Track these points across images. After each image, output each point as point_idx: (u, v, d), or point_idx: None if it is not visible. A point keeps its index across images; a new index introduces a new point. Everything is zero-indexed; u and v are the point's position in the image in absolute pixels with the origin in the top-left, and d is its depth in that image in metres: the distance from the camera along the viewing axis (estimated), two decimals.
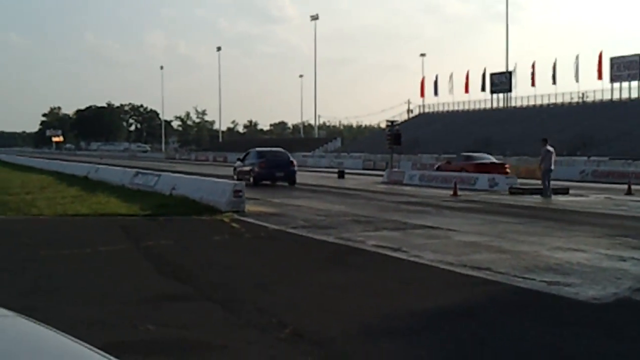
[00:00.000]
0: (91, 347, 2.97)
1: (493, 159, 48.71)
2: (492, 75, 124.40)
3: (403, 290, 11.95)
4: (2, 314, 3.47)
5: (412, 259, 14.95)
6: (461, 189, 35.41)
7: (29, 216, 22.55)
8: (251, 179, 39.27)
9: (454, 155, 53.14)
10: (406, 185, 43.19)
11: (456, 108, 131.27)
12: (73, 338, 3.06)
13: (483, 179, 39.61)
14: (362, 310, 10.25)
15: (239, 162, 43.72)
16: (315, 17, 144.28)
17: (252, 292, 11.43)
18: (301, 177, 43.20)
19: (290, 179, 40.62)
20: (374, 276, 13.23)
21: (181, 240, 17.81)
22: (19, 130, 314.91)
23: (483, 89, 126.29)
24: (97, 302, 10.54)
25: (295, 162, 42.45)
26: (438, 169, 50.25)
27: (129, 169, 40.29)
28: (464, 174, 41.68)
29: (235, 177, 40.30)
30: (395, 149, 52.58)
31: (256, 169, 40.38)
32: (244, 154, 44.01)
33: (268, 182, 40.52)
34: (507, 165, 47.11)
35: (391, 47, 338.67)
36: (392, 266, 14.27)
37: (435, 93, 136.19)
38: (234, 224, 20.79)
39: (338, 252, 15.92)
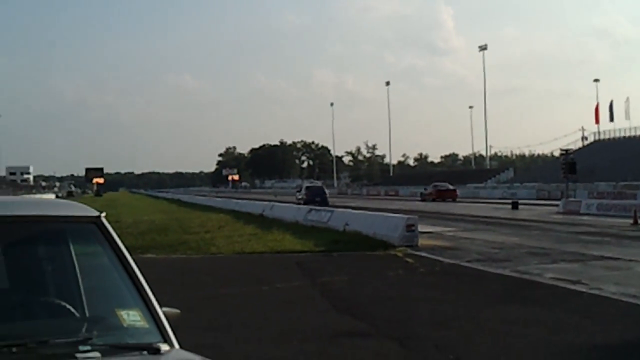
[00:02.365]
0: None
1: (449, 186, 78.37)
2: None
3: (584, 325, 11.56)
4: (187, 357, 3.60)
5: (592, 291, 14.48)
6: None
7: (208, 254, 23.25)
8: (302, 202, 58.29)
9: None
10: (583, 215, 41.88)
11: (634, 134, 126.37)
12: None
13: None
14: (542, 345, 10.00)
15: (297, 193, 72.23)
16: (483, 47, 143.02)
17: (429, 328, 11.35)
18: (473, 208, 42.92)
19: (324, 202, 58.42)
20: (553, 310, 12.88)
21: (355, 276, 17.89)
22: (197, 170, 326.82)
23: None
24: (276, 339, 10.71)
25: (327, 191, 69.14)
26: (422, 195, 79.01)
27: (302, 206, 40.93)
28: None
29: (297, 201, 62.01)
30: (571, 177, 51.21)
31: (305, 197, 63.70)
32: (299, 188, 75.25)
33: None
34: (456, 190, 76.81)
35: (561, 74, 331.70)
36: (572, 300, 13.85)
37: (611, 119, 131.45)
38: (407, 259, 20.75)
39: (515, 286, 15.61)
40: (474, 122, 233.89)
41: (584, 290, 14.71)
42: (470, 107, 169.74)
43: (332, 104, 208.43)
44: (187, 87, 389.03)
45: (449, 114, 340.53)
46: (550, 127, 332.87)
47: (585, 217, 39.37)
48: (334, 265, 20.01)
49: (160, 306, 3.80)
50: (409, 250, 22.61)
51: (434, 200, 72.58)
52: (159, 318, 3.72)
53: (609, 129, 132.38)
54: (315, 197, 60.96)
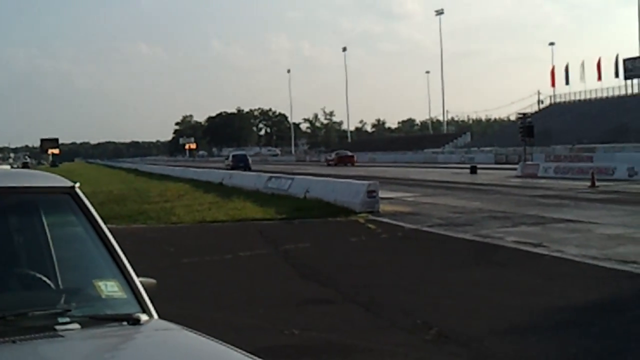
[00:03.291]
0: (249, 354, 3.04)
1: (348, 153, 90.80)
2: (625, 60, 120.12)
3: (547, 287, 11.71)
4: (166, 327, 3.58)
5: (554, 254, 14.65)
6: (599, 180, 34.34)
7: (169, 224, 23.10)
8: (229, 168, 67.26)
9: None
10: (541, 178, 42.26)
11: (589, 96, 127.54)
12: (234, 347, 3.13)
13: (622, 168, 38.45)
14: (506, 308, 10.12)
15: (225, 160, 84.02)
16: (440, 12, 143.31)
17: (394, 293, 11.42)
18: (432, 174, 43.20)
19: (247, 167, 68.87)
20: (516, 273, 13.04)
21: (318, 243, 17.94)
22: (153, 139, 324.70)
23: (617, 75, 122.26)
24: (242, 307, 10.71)
25: (249, 158, 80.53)
26: (327, 162, 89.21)
27: (262, 174, 40.85)
28: (602, 164, 40.46)
29: (225, 167, 71.23)
30: (528, 141, 51.66)
31: (231, 163, 74.20)
32: (227, 157, 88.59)
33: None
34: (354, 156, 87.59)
35: (517, 38, 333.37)
36: (534, 262, 14.02)
37: (567, 82, 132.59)
38: (369, 225, 20.81)
39: (477, 250, 15.73)
40: (431, 87, 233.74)
41: (545, 253, 14.87)
42: (427, 72, 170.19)
43: (288, 71, 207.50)
44: (142, 55, 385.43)
45: (406, 79, 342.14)
46: (507, 92, 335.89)
47: (543, 181, 39.73)
48: (296, 232, 20.02)
49: (137, 276, 3.77)
50: (370, 217, 22.66)
51: (336, 165, 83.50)
52: (137, 288, 3.68)
53: (564, 92, 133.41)
54: (240, 163, 72.14)
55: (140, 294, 3.67)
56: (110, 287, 3.69)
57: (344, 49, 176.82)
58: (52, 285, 3.74)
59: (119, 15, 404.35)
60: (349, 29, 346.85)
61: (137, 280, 3.72)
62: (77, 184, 3.98)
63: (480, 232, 18.52)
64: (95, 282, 3.70)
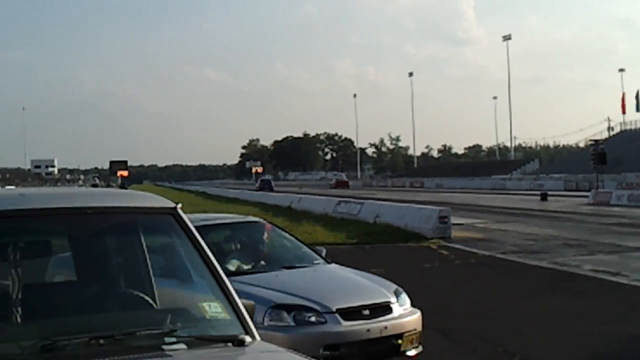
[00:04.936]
0: None
1: (344, 178, 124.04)
2: None
3: (631, 316, 11.45)
4: (271, 349, 3.58)
5: (634, 283, 14.33)
6: None
7: None
8: (257, 189, 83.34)
9: None
10: (614, 206, 41.47)
11: None
12: None
13: None
14: (589, 336, 9.92)
15: (255, 183, 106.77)
16: (507, 37, 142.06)
17: (472, 320, 11.28)
18: (501, 200, 42.76)
19: (271, 189, 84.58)
20: (596, 302, 12.78)
21: (391, 268, 17.69)
22: (220, 163, 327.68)
23: None
24: None
25: (273, 182, 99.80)
26: (329, 185, 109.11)
27: (332, 198, 40.85)
28: None
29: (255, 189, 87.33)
30: (600, 168, 50.83)
31: (259, 186, 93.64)
32: (257, 180, 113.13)
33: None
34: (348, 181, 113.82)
35: (584, 64, 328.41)
36: (614, 291, 13.73)
37: (637, 109, 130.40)
38: (442, 251, 20.65)
39: (554, 278, 15.46)
40: (498, 113, 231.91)
41: (625, 282, 14.57)
42: (495, 97, 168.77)
43: (355, 96, 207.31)
44: (209, 79, 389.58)
45: (472, 104, 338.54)
46: (575, 118, 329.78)
47: (616, 208, 38.99)
48: (368, 257, 19.89)
49: None
50: (442, 242, 22.50)
51: (335, 188, 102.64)
52: (239, 310, 3.70)
53: (635, 119, 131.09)
54: (265, 186, 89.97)
55: (243, 315, 3.69)
56: (214, 308, 3.72)
57: (410, 74, 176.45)
58: (156, 305, 3.76)
59: (185, 40, 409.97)
60: (414, 53, 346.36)
61: (239, 301, 3.72)
62: (180, 205, 4.00)
63: (555, 259, 18.22)
64: (200, 303, 3.74)
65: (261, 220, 11.40)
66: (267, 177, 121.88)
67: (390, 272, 17.07)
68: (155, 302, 3.81)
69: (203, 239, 3.90)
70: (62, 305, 3.66)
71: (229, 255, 9.43)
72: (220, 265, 3.88)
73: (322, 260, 10.02)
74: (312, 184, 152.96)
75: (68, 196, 4.05)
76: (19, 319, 3.47)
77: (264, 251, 10.20)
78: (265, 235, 10.47)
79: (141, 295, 3.76)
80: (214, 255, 3.88)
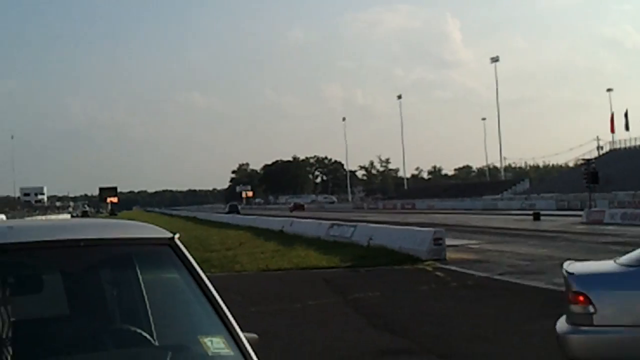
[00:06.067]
0: None
1: (301, 202, 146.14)
2: None
3: None
4: None
5: None
6: None
7: (232, 272, 22.92)
8: (226, 212, 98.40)
9: None
10: (608, 224, 41.42)
11: None
12: None
13: None
14: None
15: (224, 208, 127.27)
16: (495, 59, 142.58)
17: (473, 344, 11.09)
18: (494, 220, 42.72)
19: (237, 212, 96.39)
20: None
21: (387, 291, 17.59)
22: (210, 187, 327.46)
23: None
24: (318, 358, 10.45)
25: (239, 207, 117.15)
26: (289, 209, 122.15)
27: (324, 221, 40.65)
28: None
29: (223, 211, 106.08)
30: (592, 187, 50.85)
31: (228, 209, 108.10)
32: (226, 205, 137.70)
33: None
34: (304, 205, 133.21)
35: (573, 84, 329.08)
36: None
37: (627, 128, 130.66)
38: (438, 273, 20.44)
39: (554, 299, 15.17)
40: (487, 134, 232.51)
41: None
42: (483, 119, 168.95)
43: (344, 119, 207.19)
44: (197, 105, 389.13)
45: (461, 126, 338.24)
46: (564, 138, 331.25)
47: (610, 227, 38.91)
48: (362, 280, 19.72)
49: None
50: (438, 264, 22.30)
51: (293, 211, 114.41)
52: (243, 345, 3.48)
53: (624, 138, 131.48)
54: (233, 210, 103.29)
55: (247, 350, 3.47)
56: (216, 344, 3.50)
57: (399, 97, 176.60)
58: (154, 342, 3.54)
59: (173, 66, 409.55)
60: (402, 76, 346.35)
61: (242, 335, 3.51)
62: (177, 235, 3.79)
63: (553, 280, 17.96)
64: (201, 339, 3.52)
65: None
66: (234, 202, 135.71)
67: (386, 295, 16.93)
68: (153, 338, 3.59)
69: None
70: (55, 343, 3.45)
71: None
72: None
73: None
74: (277, 207, 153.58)
75: (59, 228, 3.83)
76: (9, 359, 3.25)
77: None
78: None
79: (138, 331, 3.54)
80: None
